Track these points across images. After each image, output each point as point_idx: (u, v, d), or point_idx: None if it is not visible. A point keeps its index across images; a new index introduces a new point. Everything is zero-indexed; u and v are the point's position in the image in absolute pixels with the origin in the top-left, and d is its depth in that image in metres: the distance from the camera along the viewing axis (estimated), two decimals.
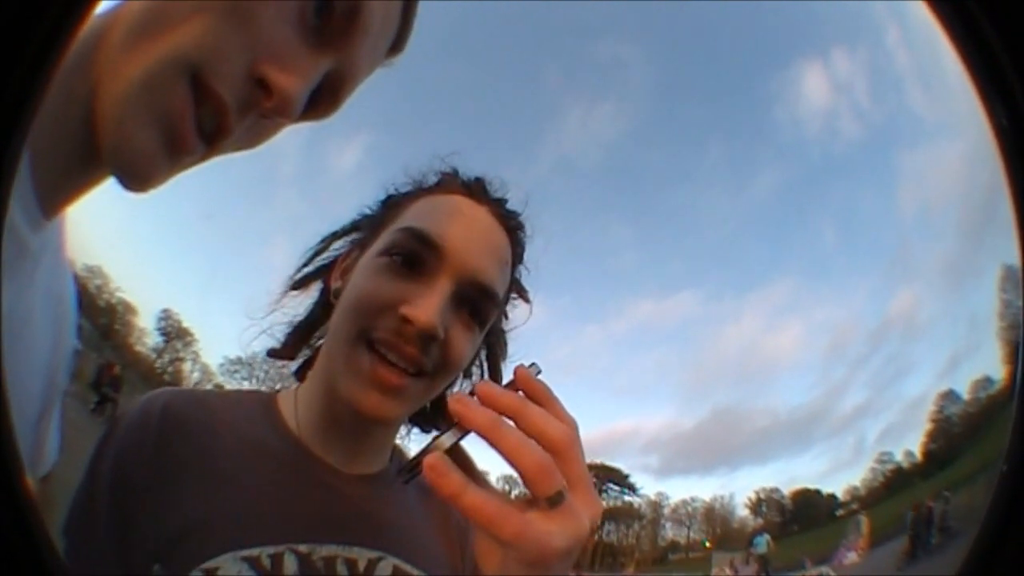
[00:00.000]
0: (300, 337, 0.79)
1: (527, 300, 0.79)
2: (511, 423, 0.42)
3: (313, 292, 0.80)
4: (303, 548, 0.60)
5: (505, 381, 0.49)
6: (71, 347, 0.58)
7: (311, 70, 0.48)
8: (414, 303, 0.61)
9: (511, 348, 0.82)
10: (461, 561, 0.74)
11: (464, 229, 0.66)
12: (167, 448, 0.63)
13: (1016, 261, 0.31)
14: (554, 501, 0.40)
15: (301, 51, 0.47)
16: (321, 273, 0.79)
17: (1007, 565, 0.29)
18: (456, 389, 0.78)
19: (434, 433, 0.71)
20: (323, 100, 0.52)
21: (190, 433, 0.64)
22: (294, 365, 0.82)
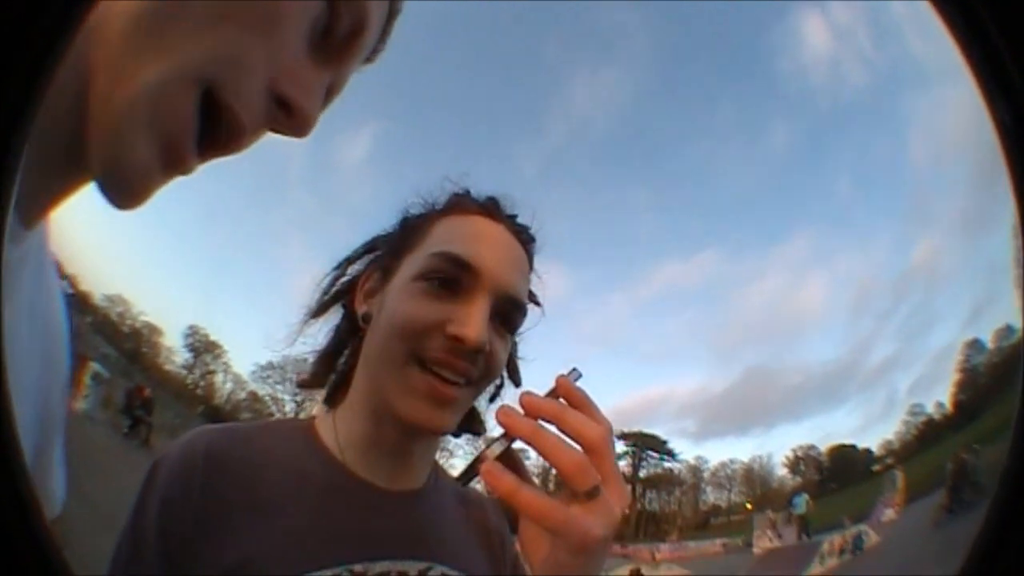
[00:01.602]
0: (327, 364, 0.80)
1: (538, 304, 0.83)
2: (551, 428, 0.48)
3: (333, 317, 0.81)
4: (358, 568, 0.65)
5: (545, 389, 0.55)
6: (66, 370, 0.54)
7: (321, 88, 0.48)
8: (461, 322, 0.65)
9: (526, 346, 0.88)
10: (503, 563, 0.80)
11: (492, 249, 0.71)
12: (214, 491, 0.64)
13: (1019, 262, 0.31)
14: (591, 495, 0.46)
15: (310, 67, 0.46)
16: (340, 298, 0.81)
17: (1010, 565, 0.29)
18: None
19: (473, 438, 0.83)
20: None
21: (236, 472, 0.66)
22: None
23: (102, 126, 0.39)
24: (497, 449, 0.49)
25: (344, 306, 0.80)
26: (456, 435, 0.80)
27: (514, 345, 0.82)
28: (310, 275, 0.84)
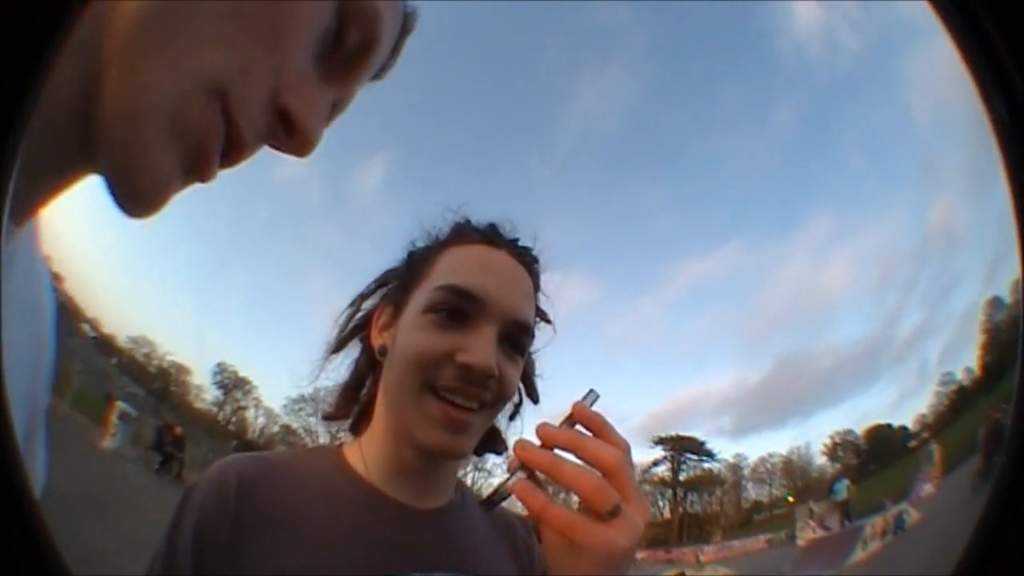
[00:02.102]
0: (350, 396, 0.85)
1: (549, 322, 0.86)
2: (569, 456, 0.52)
3: (352, 351, 0.86)
4: None
5: (561, 411, 0.58)
6: (50, 361, 0.54)
7: (325, 105, 0.46)
8: (469, 351, 0.68)
9: (541, 364, 0.91)
10: (530, 570, 0.83)
11: (496, 277, 0.73)
12: (247, 516, 0.66)
13: (1016, 265, 0.31)
14: (612, 514, 0.49)
15: (315, 83, 0.44)
16: (357, 333, 0.85)
17: (1005, 562, 0.29)
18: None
19: (492, 458, 0.86)
20: None
21: (268, 495, 0.68)
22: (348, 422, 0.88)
23: (115, 129, 0.38)
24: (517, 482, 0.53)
25: (361, 340, 0.84)
26: (479, 454, 0.84)
27: (531, 363, 0.87)
28: (333, 306, 0.88)
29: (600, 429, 0.54)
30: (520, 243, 0.81)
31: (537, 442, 0.53)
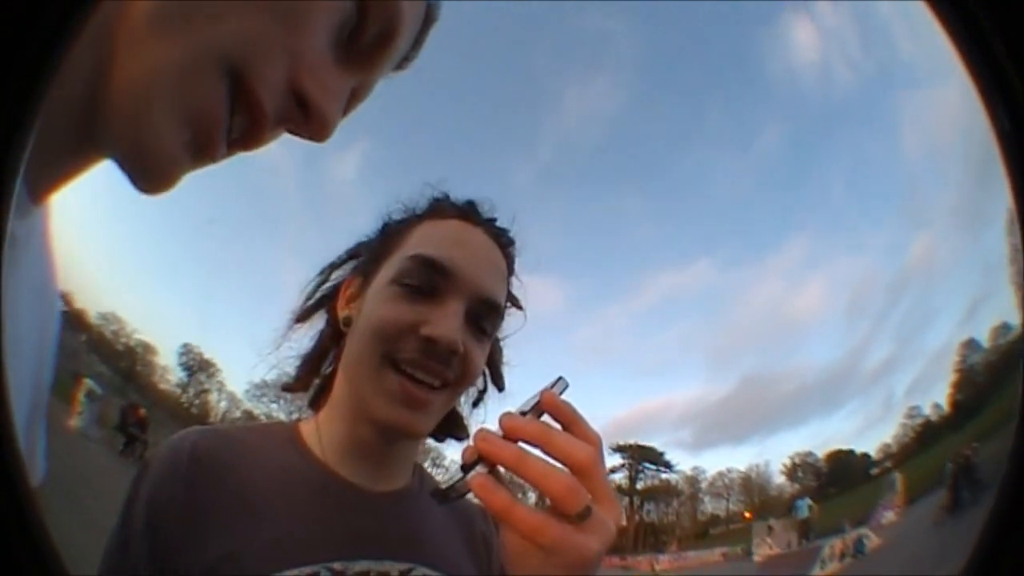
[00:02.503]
0: (311, 368, 0.82)
1: (520, 308, 0.84)
2: (536, 451, 0.46)
3: (318, 322, 0.83)
4: (337, 566, 0.64)
5: (526, 399, 0.52)
6: (54, 344, 0.54)
7: (343, 92, 0.46)
8: (434, 324, 0.66)
9: (509, 352, 0.89)
10: (487, 565, 0.80)
11: (468, 252, 0.71)
12: (198, 487, 0.64)
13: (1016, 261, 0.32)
14: (583, 516, 0.44)
15: (334, 69, 0.44)
16: (324, 303, 0.82)
17: (1011, 567, 0.29)
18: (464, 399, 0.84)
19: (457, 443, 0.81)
20: None
21: (220, 470, 0.66)
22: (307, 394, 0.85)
23: (124, 106, 0.38)
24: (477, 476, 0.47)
25: (328, 311, 0.82)
26: (438, 439, 0.82)
27: (499, 350, 0.85)
28: (303, 279, 0.85)
29: (571, 421, 0.49)
30: (497, 224, 0.80)
31: (500, 433, 0.47)
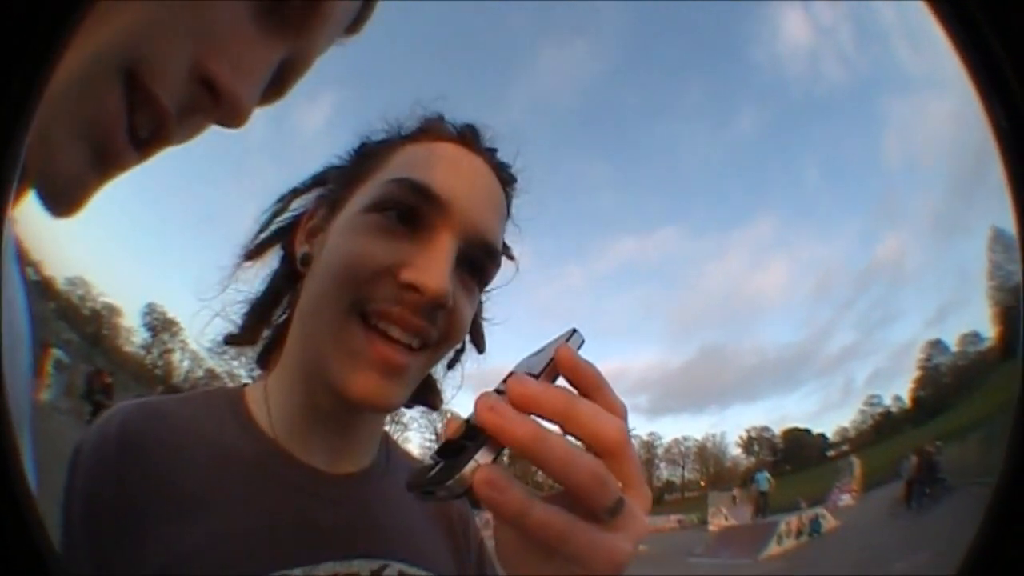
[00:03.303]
0: (260, 316, 0.68)
1: (512, 258, 0.70)
2: (554, 428, 0.35)
3: (271, 261, 0.69)
4: (297, 572, 0.54)
5: (534, 351, 0.42)
6: (29, 367, 0.50)
7: (263, 65, 0.41)
8: (418, 266, 0.53)
9: (489, 307, 0.75)
10: (467, 552, 0.70)
11: (465, 181, 0.58)
12: (130, 473, 0.55)
13: (1017, 270, 0.30)
14: (614, 512, 0.34)
15: (251, 41, 0.39)
16: (281, 237, 0.68)
17: (1007, 566, 0.28)
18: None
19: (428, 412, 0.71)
20: (269, 91, 0.44)
21: (151, 452, 0.56)
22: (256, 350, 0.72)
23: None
24: (482, 461, 0.34)
25: (284, 247, 0.67)
26: (407, 406, 0.68)
27: (480, 304, 0.70)
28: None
29: (594, 387, 0.37)
30: (499, 155, 0.67)
31: (494, 400, 0.34)
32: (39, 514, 0.28)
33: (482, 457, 0.34)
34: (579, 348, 0.39)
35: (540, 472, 0.33)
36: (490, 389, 0.35)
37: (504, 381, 0.36)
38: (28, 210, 0.40)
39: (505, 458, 0.35)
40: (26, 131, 0.27)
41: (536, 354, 0.41)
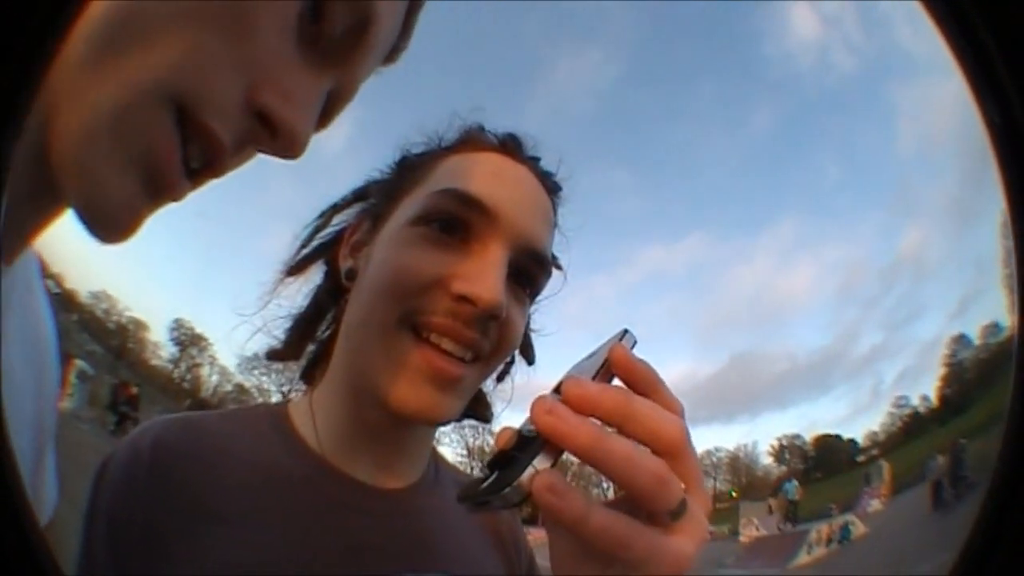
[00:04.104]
0: (304, 331, 0.68)
1: (560, 268, 0.69)
2: (613, 430, 0.34)
3: (314, 277, 0.69)
4: None
5: (586, 355, 0.41)
6: (56, 386, 0.52)
7: (314, 96, 0.41)
8: (470, 278, 0.53)
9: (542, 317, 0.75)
10: (518, 566, 0.68)
11: (512, 190, 0.58)
12: (164, 490, 0.53)
13: (1012, 268, 0.31)
14: (677, 514, 0.33)
15: (301, 72, 0.39)
16: (324, 252, 0.68)
17: (1002, 567, 0.28)
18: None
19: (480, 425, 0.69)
20: (316, 121, 0.45)
21: (189, 469, 0.55)
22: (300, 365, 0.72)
23: (67, 159, 0.35)
24: (540, 467, 0.33)
25: (327, 262, 0.68)
26: (459, 420, 0.66)
27: (529, 315, 0.68)
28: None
29: (651, 387, 0.36)
30: (542, 164, 0.66)
31: (551, 403, 0.32)
32: (47, 545, 0.29)
33: (540, 463, 0.33)
34: (632, 348, 0.39)
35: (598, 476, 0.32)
36: (546, 393, 0.34)
37: (558, 385, 0.36)
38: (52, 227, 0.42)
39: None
40: (17, 135, 0.26)
41: (589, 357, 0.40)
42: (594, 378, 0.36)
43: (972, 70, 0.29)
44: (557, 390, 0.35)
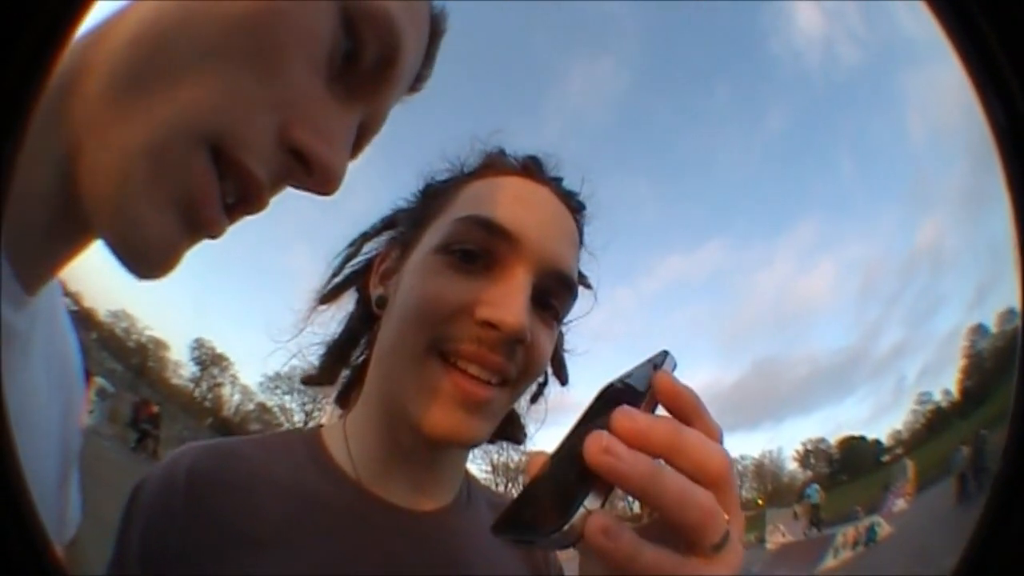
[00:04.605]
0: (338, 357, 0.70)
1: (589, 287, 0.69)
2: (664, 464, 0.33)
3: (346, 303, 0.71)
4: None
5: (621, 375, 0.41)
6: (80, 409, 0.53)
7: (347, 131, 0.41)
8: (494, 304, 0.54)
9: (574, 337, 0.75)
10: None
11: (534, 213, 0.58)
12: (200, 516, 0.54)
13: (1015, 267, 0.30)
14: (720, 546, 0.33)
15: (332, 108, 0.39)
16: (355, 281, 0.70)
17: (1003, 566, 0.28)
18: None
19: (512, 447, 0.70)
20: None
21: (225, 496, 0.56)
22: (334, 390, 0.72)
23: (102, 199, 0.35)
24: (591, 507, 0.32)
25: (358, 290, 0.70)
26: (491, 441, 0.69)
27: (560, 334, 0.70)
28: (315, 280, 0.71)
29: (694, 415, 0.36)
30: (565, 184, 0.67)
31: (607, 440, 0.31)
32: (63, 570, 0.29)
33: (590, 503, 0.32)
34: (673, 371, 0.38)
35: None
36: (600, 429, 0.32)
37: (593, 405, 0.37)
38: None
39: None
40: (19, 140, 0.26)
41: (626, 377, 0.40)
42: (640, 406, 0.35)
43: (977, 70, 0.29)
44: (592, 414, 0.36)
